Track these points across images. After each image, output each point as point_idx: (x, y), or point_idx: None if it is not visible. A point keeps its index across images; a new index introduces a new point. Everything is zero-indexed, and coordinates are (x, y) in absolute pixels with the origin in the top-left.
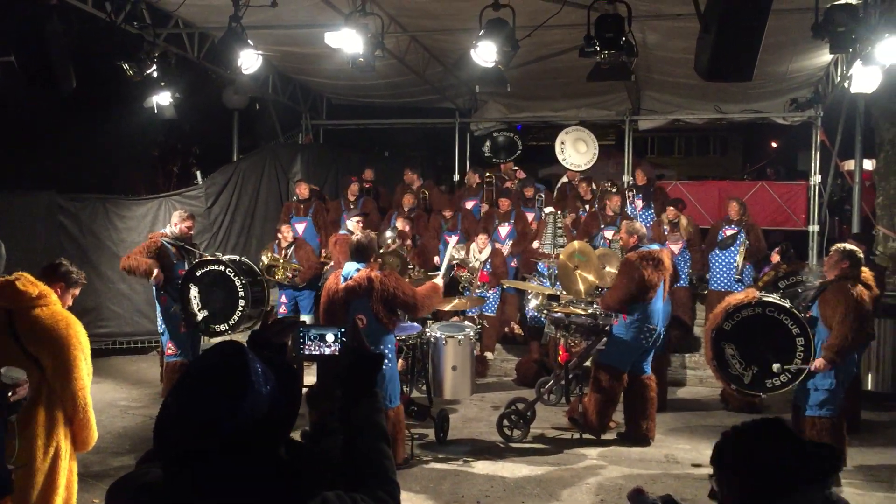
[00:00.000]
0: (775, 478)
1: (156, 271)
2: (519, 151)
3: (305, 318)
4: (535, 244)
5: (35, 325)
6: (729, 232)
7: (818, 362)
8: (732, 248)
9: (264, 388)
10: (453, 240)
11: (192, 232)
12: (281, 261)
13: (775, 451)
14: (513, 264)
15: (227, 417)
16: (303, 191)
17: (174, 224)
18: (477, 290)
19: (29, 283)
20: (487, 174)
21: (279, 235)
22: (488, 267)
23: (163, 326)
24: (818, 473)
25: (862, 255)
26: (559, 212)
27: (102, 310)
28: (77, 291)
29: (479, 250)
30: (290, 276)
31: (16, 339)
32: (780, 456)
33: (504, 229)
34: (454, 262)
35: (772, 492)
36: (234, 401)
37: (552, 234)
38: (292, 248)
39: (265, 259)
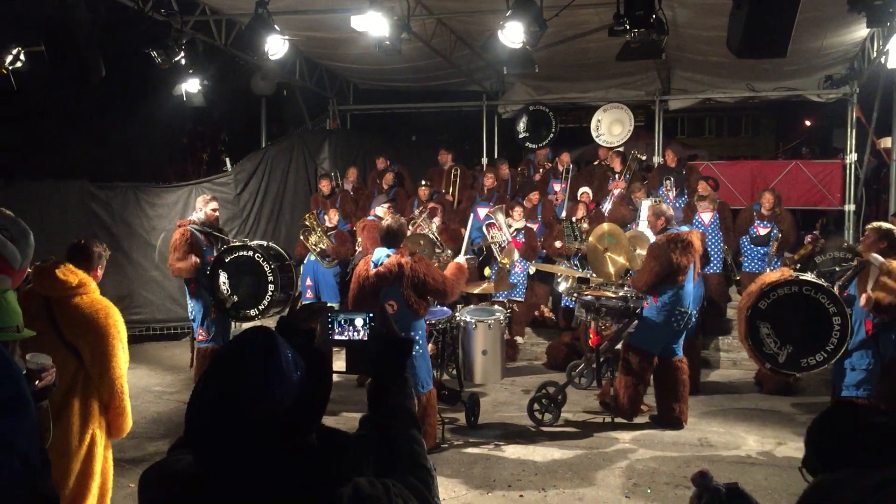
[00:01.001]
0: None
1: (194, 260)
2: (554, 132)
3: (330, 304)
4: (558, 244)
5: (74, 313)
6: (762, 231)
7: (864, 298)
8: (766, 246)
9: (294, 374)
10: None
11: (217, 214)
12: (319, 228)
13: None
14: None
15: (257, 403)
16: (324, 187)
17: (199, 209)
18: (506, 262)
19: (69, 272)
20: (521, 167)
21: (325, 216)
22: (521, 236)
23: (193, 313)
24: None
25: None
26: (573, 219)
27: (135, 297)
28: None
29: (514, 220)
30: (323, 246)
31: (55, 327)
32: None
33: (532, 226)
34: (487, 223)
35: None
36: (263, 387)
37: (572, 237)
38: (333, 232)
39: (306, 220)
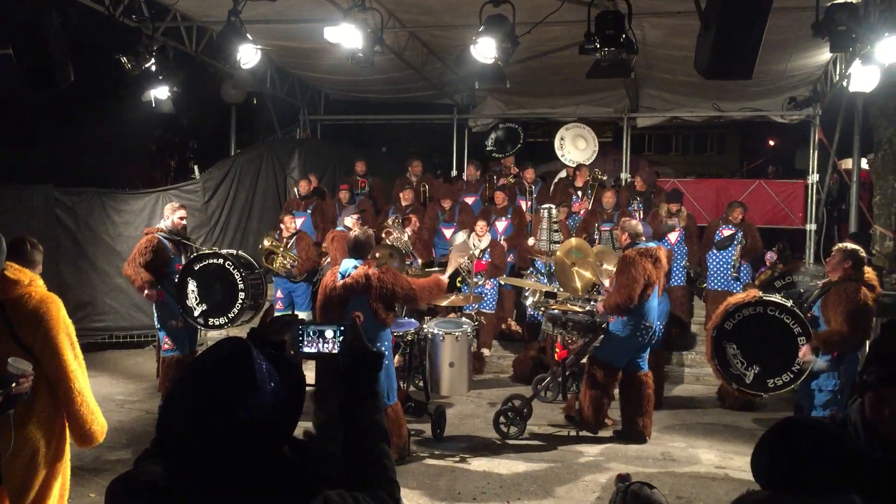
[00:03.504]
0: (806, 480)
1: (147, 291)
2: (520, 144)
3: (301, 314)
4: (531, 241)
5: (27, 311)
6: (726, 232)
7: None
8: (729, 249)
9: (268, 386)
10: (459, 236)
11: (184, 222)
12: (281, 248)
13: (811, 454)
14: (510, 259)
15: (232, 415)
16: (304, 187)
17: (166, 217)
18: (474, 280)
19: (18, 271)
20: (489, 173)
21: (282, 225)
22: (487, 256)
23: (159, 321)
24: (850, 479)
25: (864, 256)
26: (553, 207)
27: (98, 304)
28: None
29: (479, 238)
30: (289, 265)
31: (12, 333)
32: (816, 459)
33: (501, 224)
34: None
35: (801, 492)
36: (238, 399)
37: (548, 230)
38: (294, 239)
39: (266, 243)
